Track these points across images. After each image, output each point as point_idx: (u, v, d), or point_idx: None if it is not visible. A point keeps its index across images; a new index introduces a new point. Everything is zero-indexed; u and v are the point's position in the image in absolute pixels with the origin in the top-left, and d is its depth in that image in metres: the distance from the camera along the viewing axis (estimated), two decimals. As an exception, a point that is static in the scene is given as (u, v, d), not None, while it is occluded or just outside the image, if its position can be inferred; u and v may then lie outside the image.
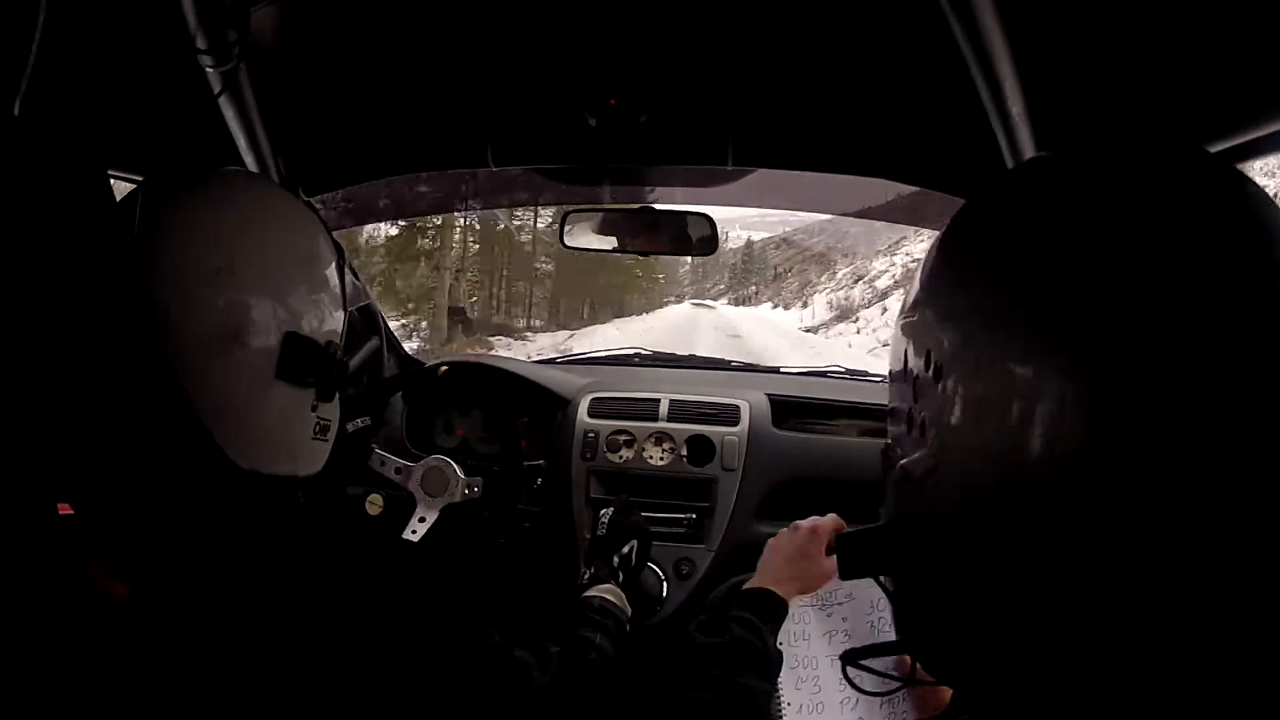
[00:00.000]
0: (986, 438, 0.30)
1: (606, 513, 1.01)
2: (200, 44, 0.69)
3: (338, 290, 0.62)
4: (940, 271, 0.36)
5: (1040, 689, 0.31)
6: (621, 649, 0.76)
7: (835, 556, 0.53)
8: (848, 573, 0.44)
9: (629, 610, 0.85)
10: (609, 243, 1.22)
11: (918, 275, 0.38)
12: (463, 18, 0.75)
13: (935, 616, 0.36)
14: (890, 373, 0.42)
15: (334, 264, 0.63)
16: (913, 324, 0.37)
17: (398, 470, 1.14)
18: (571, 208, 1.23)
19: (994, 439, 0.29)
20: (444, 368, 1.18)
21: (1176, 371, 0.25)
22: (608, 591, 0.85)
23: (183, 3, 0.66)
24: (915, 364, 0.36)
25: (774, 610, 0.67)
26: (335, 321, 0.61)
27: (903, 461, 0.37)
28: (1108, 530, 0.27)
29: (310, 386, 0.58)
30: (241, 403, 0.54)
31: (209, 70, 0.72)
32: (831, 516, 0.74)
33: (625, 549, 0.94)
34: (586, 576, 0.90)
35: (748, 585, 0.71)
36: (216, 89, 0.75)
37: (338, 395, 0.63)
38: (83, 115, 0.73)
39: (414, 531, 1.10)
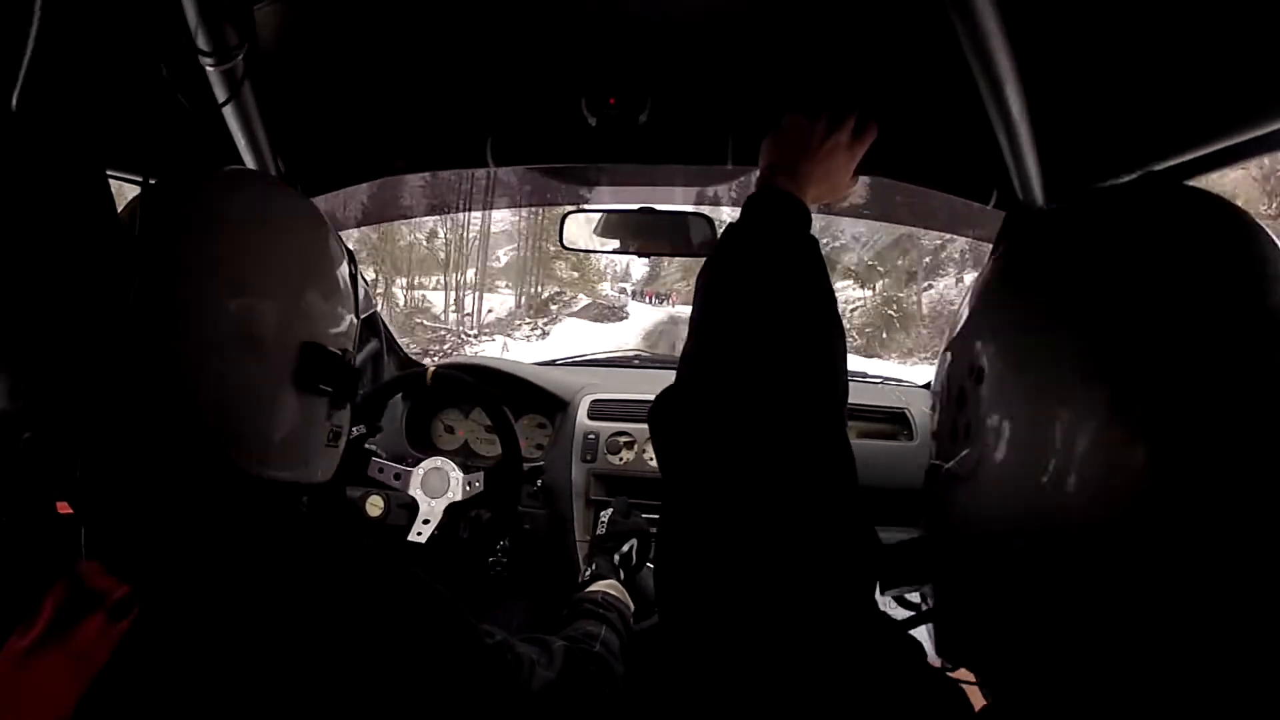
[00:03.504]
0: (1025, 441, 0.33)
1: (607, 513, 1.02)
2: (201, 43, 0.69)
3: (349, 294, 0.62)
4: (991, 299, 0.39)
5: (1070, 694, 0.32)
6: (627, 642, 0.75)
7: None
8: (887, 585, 0.45)
9: (632, 605, 0.84)
10: (608, 243, 1.22)
11: (967, 299, 0.42)
12: (462, 17, 0.75)
13: (974, 621, 0.37)
14: (934, 393, 0.44)
15: (344, 267, 0.62)
16: (962, 343, 0.40)
17: (397, 476, 1.15)
18: (571, 208, 1.23)
19: (1032, 449, 0.33)
20: (432, 369, 1.18)
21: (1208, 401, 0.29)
22: (609, 586, 0.84)
23: (184, 1, 0.65)
24: (962, 378, 0.39)
25: (799, 217, 0.58)
26: (347, 326, 0.61)
27: (947, 465, 0.38)
28: (1125, 549, 0.29)
29: (325, 395, 0.58)
30: (255, 408, 0.53)
31: (209, 70, 0.72)
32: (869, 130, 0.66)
33: (625, 547, 0.94)
34: (588, 574, 0.90)
35: (761, 182, 0.61)
36: (216, 88, 0.74)
37: (349, 403, 0.63)
38: (81, 114, 0.73)
39: (419, 534, 1.10)
